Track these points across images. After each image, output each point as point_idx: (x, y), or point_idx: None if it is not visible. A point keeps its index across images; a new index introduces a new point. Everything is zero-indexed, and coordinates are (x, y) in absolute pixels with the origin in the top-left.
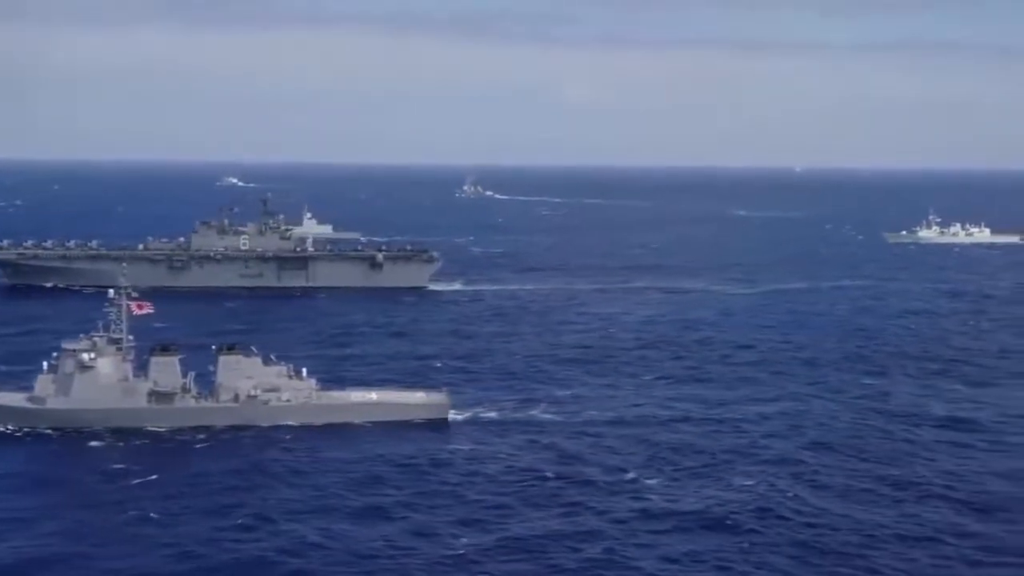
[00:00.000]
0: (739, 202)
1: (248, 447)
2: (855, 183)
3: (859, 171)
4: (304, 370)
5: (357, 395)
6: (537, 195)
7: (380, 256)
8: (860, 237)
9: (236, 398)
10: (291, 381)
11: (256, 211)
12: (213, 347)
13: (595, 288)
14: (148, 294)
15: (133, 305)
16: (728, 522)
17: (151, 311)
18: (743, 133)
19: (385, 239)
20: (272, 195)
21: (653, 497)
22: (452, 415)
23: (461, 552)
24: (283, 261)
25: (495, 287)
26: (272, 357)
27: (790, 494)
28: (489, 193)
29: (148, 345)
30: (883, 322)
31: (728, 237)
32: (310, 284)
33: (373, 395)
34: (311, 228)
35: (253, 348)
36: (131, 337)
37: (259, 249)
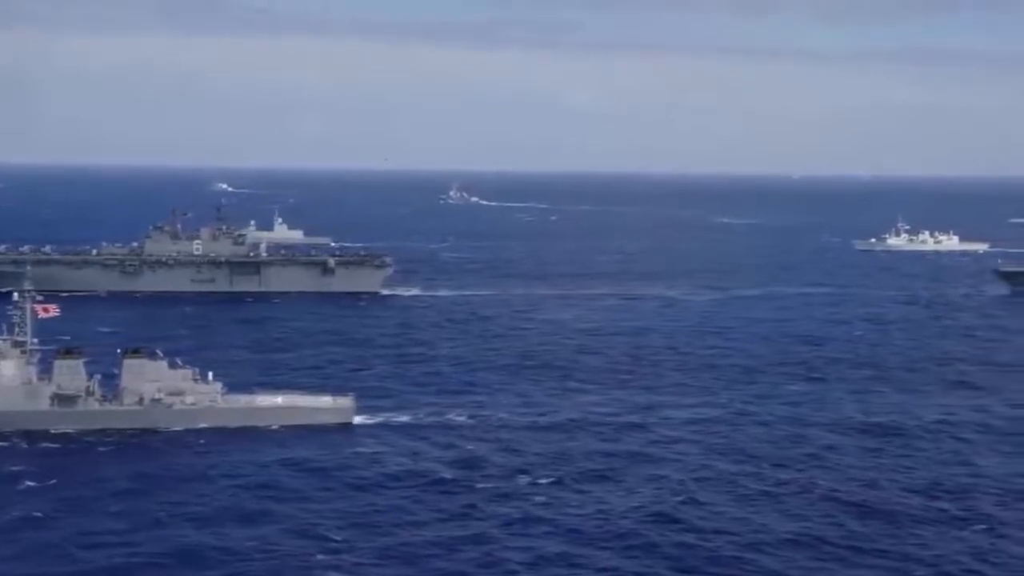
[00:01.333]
0: (727, 209)
1: (149, 451)
2: (852, 190)
3: (859, 179)
4: (211, 374)
5: (263, 399)
6: (524, 201)
7: (332, 261)
8: (833, 244)
9: (140, 401)
10: (196, 385)
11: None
12: (118, 350)
13: (555, 294)
14: (101, 298)
15: (38, 308)
16: (617, 527)
17: (57, 313)
18: (743, 140)
19: (360, 244)
20: (230, 201)
21: (547, 501)
22: (361, 419)
23: (336, 555)
24: (235, 266)
25: (453, 293)
26: (178, 361)
27: (685, 499)
28: (475, 199)
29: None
30: (832, 329)
31: (702, 244)
32: (263, 289)
33: (279, 399)
34: (282, 233)
35: (158, 352)
36: (35, 340)
37: (212, 254)
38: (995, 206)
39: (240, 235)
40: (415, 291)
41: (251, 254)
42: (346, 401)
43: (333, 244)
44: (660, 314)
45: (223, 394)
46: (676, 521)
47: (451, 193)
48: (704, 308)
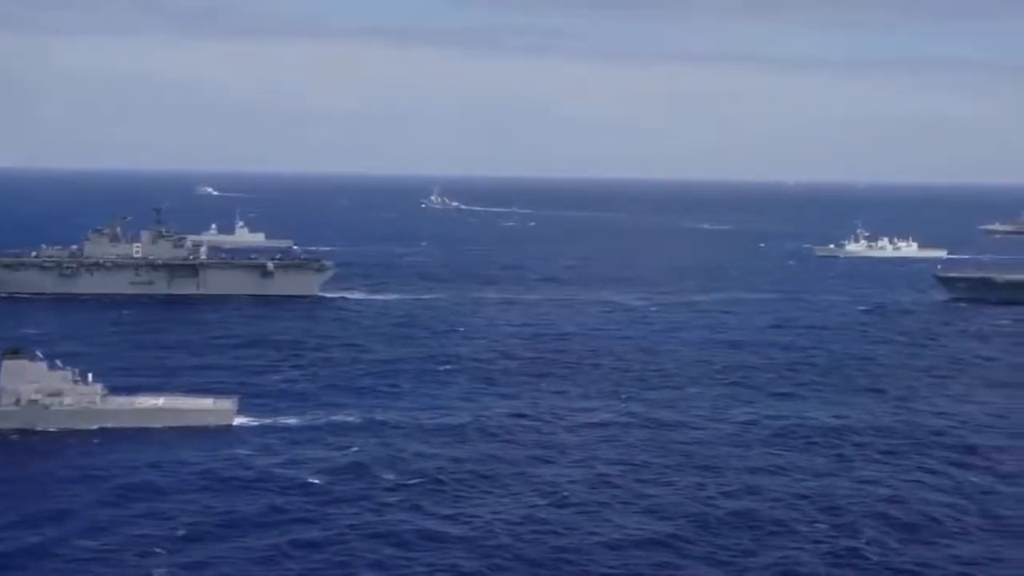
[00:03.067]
0: (704, 215)
1: (23, 452)
2: (845, 197)
3: (853, 185)
4: (90, 375)
5: (143, 401)
6: (508, 206)
7: (271, 265)
8: (799, 250)
9: (18, 402)
10: (75, 386)
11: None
12: None
13: (500, 299)
14: (42, 301)
15: None
16: (464, 536)
17: None
18: (739, 147)
19: (326, 248)
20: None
21: (401, 505)
22: (244, 421)
23: (172, 555)
24: (174, 269)
25: (400, 296)
26: (58, 362)
27: (554, 501)
28: (455, 204)
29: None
30: (759, 335)
31: (668, 249)
32: (202, 292)
33: (159, 401)
34: (243, 236)
35: (38, 353)
36: None
37: (151, 257)
38: (974, 213)
39: (180, 238)
40: (360, 294)
41: (191, 257)
42: (227, 403)
43: (296, 248)
44: (594, 318)
45: (104, 396)
46: (541, 522)
47: (432, 198)
48: (640, 313)
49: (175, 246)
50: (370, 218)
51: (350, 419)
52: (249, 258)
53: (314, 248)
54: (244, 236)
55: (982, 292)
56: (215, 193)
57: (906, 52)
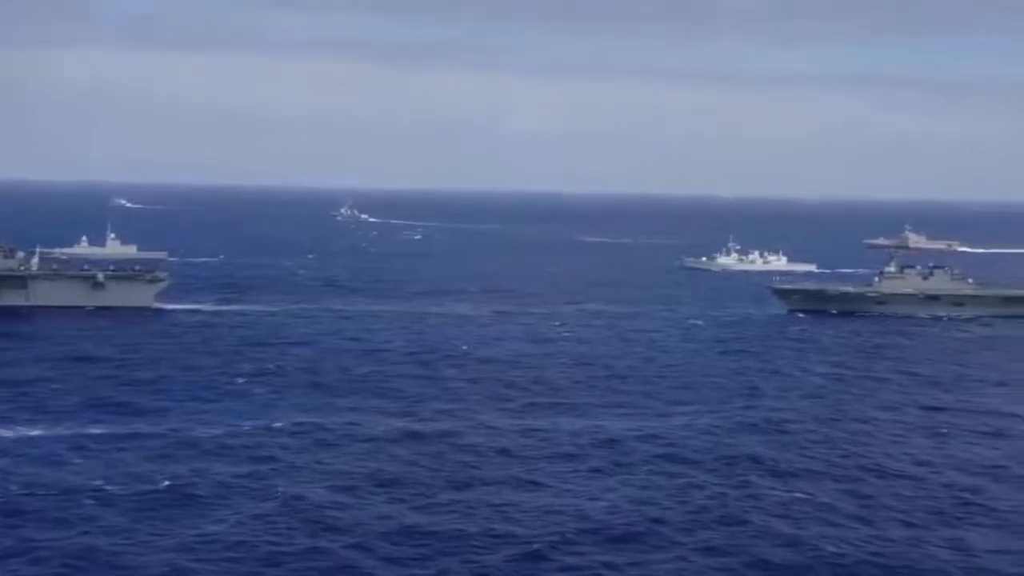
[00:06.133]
0: (604, 228)
1: None
2: (787, 211)
3: (795, 200)
4: None
5: None
6: (423, 220)
7: (102, 276)
8: (673, 263)
9: None
10: None
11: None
12: None
13: (354, 310)
14: None
15: None
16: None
17: None
18: (682, 161)
19: (201, 259)
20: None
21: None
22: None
23: None
24: (2, 280)
25: (246, 307)
26: None
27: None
28: (364, 216)
29: None
30: (578, 347)
31: (551, 262)
32: (31, 303)
33: None
34: (114, 248)
35: None
36: None
37: None
38: (883, 227)
39: (12, 250)
40: (202, 306)
41: (22, 267)
42: None
43: (173, 259)
44: (435, 329)
45: None
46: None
47: (342, 210)
48: (479, 324)
49: (5, 257)
50: (276, 230)
51: (96, 431)
52: (81, 269)
53: (202, 260)
54: (116, 248)
55: (816, 303)
56: (128, 205)
57: (858, 69)
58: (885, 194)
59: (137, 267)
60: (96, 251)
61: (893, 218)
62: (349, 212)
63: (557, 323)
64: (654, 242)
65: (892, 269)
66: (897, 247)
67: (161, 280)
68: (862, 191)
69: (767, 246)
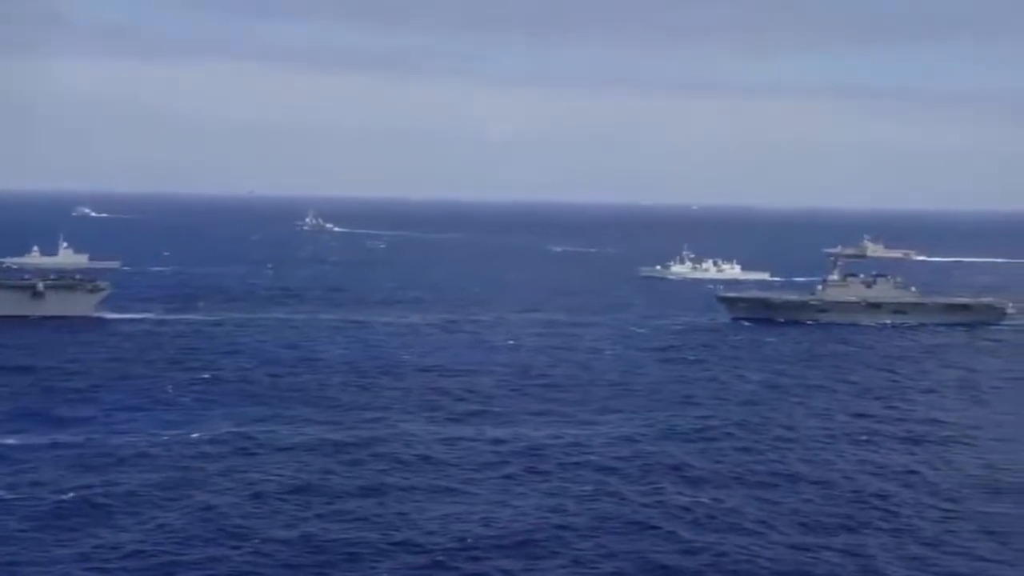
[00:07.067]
0: (572, 238)
1: None
2: (745, 220)
3: (764, 209)
4: None
5: None
6: (389, 229)
7: (41, 285)
8: (630, 272)
9: None
10: None
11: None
12: None
13: (285, 318)
14: None
15: None
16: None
17: None
18: (654, 171)
19: (157, 268)
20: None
21: None
22: None
23: None
24: None
25: (189, 316)
26: None
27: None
28: (329, 225)
29: None
30: (506, 356)
31: (500, 271)
32: None
33: None
34: (65, 257)
35: None
36: None
37: None
38: (848, 236)
39: None
40: (148, 315)
41: None
42: None
43: (127, 268)
44: (377, 337)
45: None
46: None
47: (307, 220)
48: (420, 333)
49: None
50: (238, 239)
51: (10, 441)
52: (21, 278)
53: (157, 269)
54: (68, 257)
55: (762, 312)
56: (93, 214)
57: (830, 79)
58: (853, 203)
59: (79, 276)
60: (47, 260)
61: (859, 227)
62: (314, 221)
63: (503, 332)
64: (617, 251)
65: (835, 277)
66: (856, 256)
67: (102, 289)
68: (832, 200)
69: (725, 255)
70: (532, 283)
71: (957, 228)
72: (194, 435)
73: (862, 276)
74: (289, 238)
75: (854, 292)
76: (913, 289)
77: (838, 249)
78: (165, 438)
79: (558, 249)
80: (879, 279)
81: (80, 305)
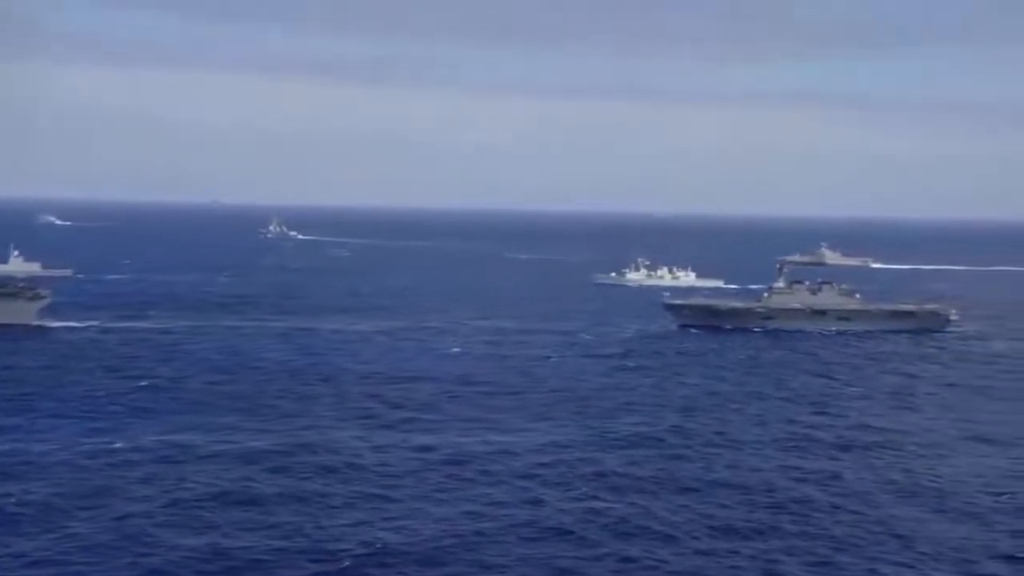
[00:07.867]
0: (531, 246)
1: None
2: (712, 227)
3: (726, 217)
4: None
5: None
6: (353, 236)
7: None
8: (585, 278)
9: None
10: None
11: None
12: None
13: (233, 326)
14: None
15: None
16: None
17: None
18: (622, 179)
19: (113, 276)
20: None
21: None
22: None
23: None
24: None
25: (136, 324)
26: None
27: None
28: (292, 233)
29: None
30: (449, 364)
31: (459, 279)
32: None
33: None
34: (16, 265)
35: None
36: None
37: None
38: (798, 244)
39: None
40: (94, 323)
41: None
42: None
43: (80, 276)
44: (322, 344)
45: None
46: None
47: (270, 227)
48: (367, 341)
49: None
50: (199, 247)
51: None
52: None
53: (113, 277)
54: (19, 265)
55: (708, 319)
56: (58, 222)
57: (804, 86)
58: (829, 211)
59: (21, 284)
60: None
61: (826, 235)
62: (277, 229)
63: (451, 339)
64: (577, 259)
65: (781, 284)
66: (814, 263)
67: (43, 297)
68: (805, 209)
69: (688, 263)
70: (489, 291)
71: (922, 236)
72: (118, 444)
73: (807, 283)
74: (248, 245)
75: (799, 299)
76: (858, 296)
77: (795, 257)
78: (88, 447)
79: (523, 257)
80: (824, 286)
81: (20, 313)
